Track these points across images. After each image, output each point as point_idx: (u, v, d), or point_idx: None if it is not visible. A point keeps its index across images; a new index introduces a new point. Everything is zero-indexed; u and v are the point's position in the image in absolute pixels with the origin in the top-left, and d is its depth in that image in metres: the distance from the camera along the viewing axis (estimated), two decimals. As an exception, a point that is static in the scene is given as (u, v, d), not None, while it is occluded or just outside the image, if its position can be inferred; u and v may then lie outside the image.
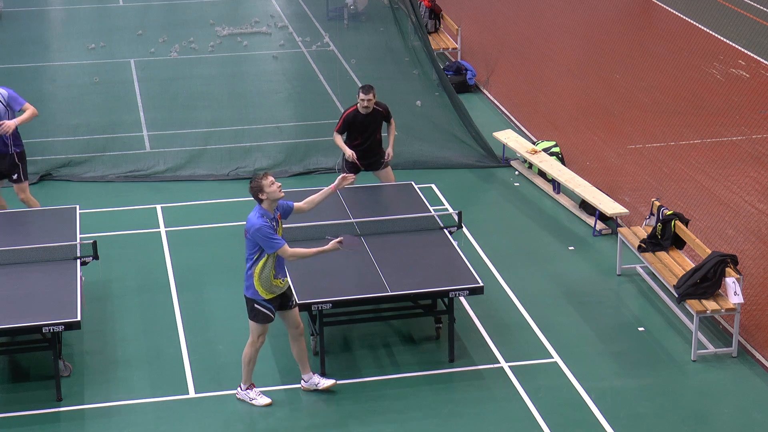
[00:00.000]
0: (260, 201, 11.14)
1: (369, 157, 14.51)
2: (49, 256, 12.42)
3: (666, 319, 13.02)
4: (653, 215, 13.69)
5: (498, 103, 20.05)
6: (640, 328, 12.85)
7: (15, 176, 13.86)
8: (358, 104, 14.26)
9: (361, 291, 11.84)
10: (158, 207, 15.94)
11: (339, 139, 14.46)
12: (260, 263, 10.96)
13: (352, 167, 14.44)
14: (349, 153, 14.28)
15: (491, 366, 12.08)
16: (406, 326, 12.77)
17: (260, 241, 10.90)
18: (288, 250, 10.99)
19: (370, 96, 14.19)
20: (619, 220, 15.08)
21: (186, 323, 12.94)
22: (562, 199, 16.11)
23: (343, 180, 11.79)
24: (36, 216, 13.65)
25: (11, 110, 13.59)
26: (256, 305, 11.13)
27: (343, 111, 14.69)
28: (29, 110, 13.71)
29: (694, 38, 23.22)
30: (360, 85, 14.52)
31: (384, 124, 14.61)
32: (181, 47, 22.75)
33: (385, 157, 14.58)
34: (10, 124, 13.43)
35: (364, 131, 14.36)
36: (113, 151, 17.60)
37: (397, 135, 18.13)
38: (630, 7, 26.49)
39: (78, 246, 12.65)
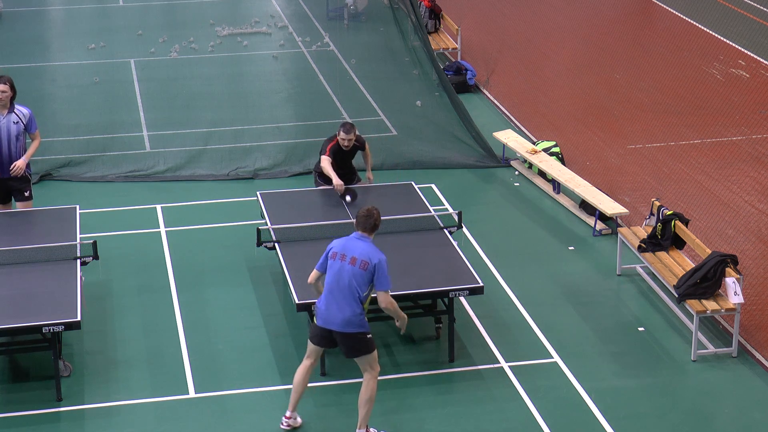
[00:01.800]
0: (371, 234, 10.58)
1: (349, 179, 14.46)
2: (49, 256, 12.42)
3: (666, 319, 13.02)
4: (653, 215, 13.69)
5: (498, 103, 20.05)
6: (640, 328, 12.85)
7: (27, 193, 13.79)
8: (339, 141, 14.09)
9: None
10: (158, 207, 15.94)
11: (329, 167, 14.06)
12: (369, 299, 10.51)
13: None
14: (338, 184, 14.04)
15: (491, 366, 12.08)
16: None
17: (382, 274, 10.33)
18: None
19: (351, 136, 14.00)
20: (619, 220, 15.08)
21: (186, 323, 12.94)
22: (562, 199, 16.11)
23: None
24: (36, 216, 13.65)
25: (26, 132, 13.63)
26: (369, 335, 10.52)
27: (327, 138, 14.31)
28: (36, 141, 13.73)
29: (694, 38, 23.22)
30: (342, 122, 14.27)
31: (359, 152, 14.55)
32: (181, 47, 22.75)
33: (368, 183, 14.52)
34: (21, 164, 13.49)
35: (343, 164, 14.28)
36: (113, 151, 17.60)
37: (397, 135, 18.22)
38: (630, 7, 26.50)
39: (78, 246, 12.65)
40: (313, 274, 10.73)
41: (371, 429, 10.70)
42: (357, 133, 14.18)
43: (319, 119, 18.82)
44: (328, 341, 10.62)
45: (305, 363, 10.77)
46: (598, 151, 17.77)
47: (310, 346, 10.74)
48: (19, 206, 13.77)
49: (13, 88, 13.59)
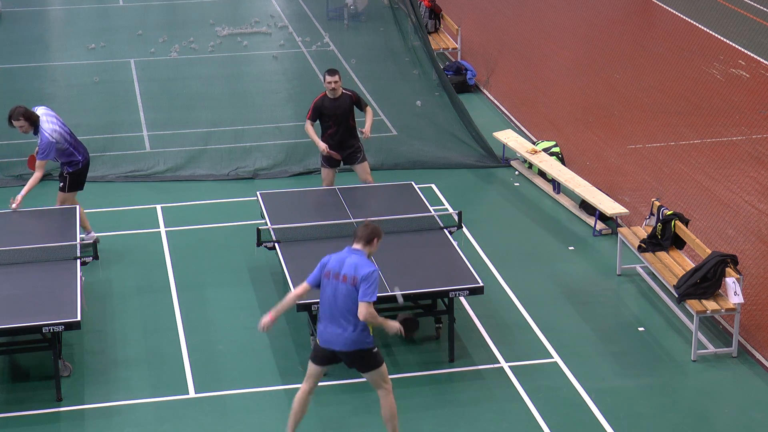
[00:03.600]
0: (366, 247, 10.09)
1: (344, 147, 14.48)
2: (49, 256, 12.42)
3: (666, 319, 13.02)
4: (653, 215, 13.69)
5: (498, 103, 20.05)
6: (640, 328, 12.85)
7: (61, 184, 14.07)
8: (325, 88, 14.25)
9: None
10: (158, 207, 15.94)
11: (311, 130, 14.36)
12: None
13: (329, 161, 14.46)
14: (323, 147, 14.25)
15: (491, 366, 12.09)
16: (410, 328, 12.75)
17: (368, 285, 9.84)
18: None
19: (336, 78, 14.16)
20: (619, 220, 15.08)
21: (186, 323, 12.94)
22: (562, 199, 16.11)
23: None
24: (36, 216, 13.66)
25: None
26: (375, 349, 10.17)
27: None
28: (36, 173, 13.82)
29: (694, 38, 23.22)
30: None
31: (360, 112, 14.55)
32: (181, 47, 22.76)
33: (364, 135, 14.48)
34: (18, 199, 13.63)
35: (335, 118, 14.30)
36: (113, 151, 17.60)
37: (397, 135, 18.21)
38: (630, 7, 26.50)
39: (78, 246, 12.65)
40: (303, 287, 10.23)
41: None
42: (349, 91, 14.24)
43: (319, 119, 18.82)
44: (330, 360, 10.27)
45: (304, 388, 10.39)
46: (598, 151, 17.76)
47: (311, 368, 10.33)
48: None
49: (28, 117, 13.63)
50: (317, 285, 10.20)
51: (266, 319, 10.29)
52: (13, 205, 13.61)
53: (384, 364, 10.26)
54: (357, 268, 9.93)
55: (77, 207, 13.83)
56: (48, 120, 13.74)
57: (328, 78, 14.19)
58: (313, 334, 12.16)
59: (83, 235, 14.30)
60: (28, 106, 13.87)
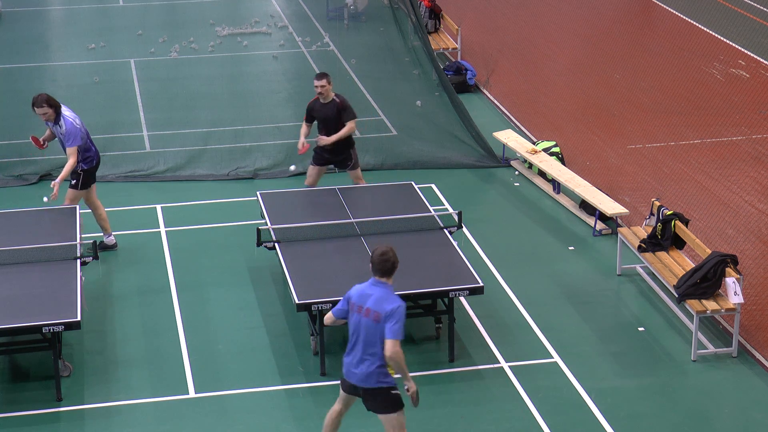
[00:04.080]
0: (389, 279, 9.66)
1: (336, 153, 14.57)
2: (49, 256, 12.43)
3: (666, 319, 13.02)
4: (653, 215, 13.69)
5: (498, 103, 20.05)
6: (640, 328, 12.85)
7: (73, 182, 14.06)
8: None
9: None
10: (158, 207, 15.94)
11: (302, 128, 14.63)
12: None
13: (316, 159, 14.61)
14: (300, 143, 14.51)
15: (491, 366, 12.08)
16: (406, 326, 12.69)
17: (395, 322, 9.42)
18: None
19: (323, 82, 14.24)
20: (619, 220, 15.08)
21: (186, 323, 12.94)
22: (562, 199, 16.11)
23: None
24: (36, 216, 13.65)
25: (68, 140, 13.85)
26: (394, 390, 9.69)
27: None
28: (70, 159, 13.82)
29: (694, 38, 23.22)
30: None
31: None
32: (181, 47, 22.76)
33: (318, 140, 14.53)
34: (55, 190, 13.65)
35: (323, 122, 14.42)
36: (113, 151, 17.59)
37: (397, 135, 18.20)
38: (630, 7, 26.50)
39: (78, 246, 12.65)
40: (329, 317, 9.90)
41: None
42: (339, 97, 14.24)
43: (319, 119, 18.82)
44: (356, 391, 9.83)
45: (335, 408, 10.06)
46: (598, 151, 17.76)
47: (341, 391, 10.00)
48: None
49: (52, 105, 13.67)
50: (344, 317, 9.79)
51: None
52: (52, 197, 13.64)
53: (402, 411, 9.72)
54: (381, 302, 9.49)
55: (76, 207, 13.82)
56: (67, 108, 13.90)
57: (315, 82, 14.31)
58: (313, 334, 12.16)
59: (104, 238, 14.51)
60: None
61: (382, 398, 9.66)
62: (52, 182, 13.66)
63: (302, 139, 14.60)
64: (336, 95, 14.42)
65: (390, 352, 9.43)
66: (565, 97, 20.38)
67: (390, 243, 12.64)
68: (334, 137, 14.39)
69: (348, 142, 14.58)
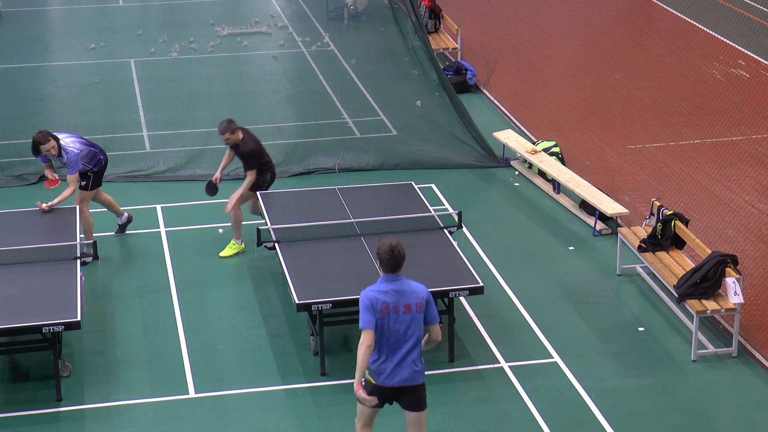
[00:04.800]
0: (401, 270, 9.50)
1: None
2: (49, 256, 12.43)
3: (666, 319, 13.02)
4: (653, 215, 13.69)
5: (498, 103, 20.05)
6: (640, 328, 12.85)
7: (83, 183, 14.09)
8: None
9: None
10: (158, 207, 15.95)
11: (223, 159, 14.66)
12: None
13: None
14: (215, 176, 14.58)
15: (491, 366, 12.08)
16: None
17: (434, 305, 9.46)
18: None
19: (225, 136, 14.06)
20: (619, 220, 15.08)
21: (186, 323, 12.94)
22: (562, 199, 16.11)
23: None
24: (36, 216, 13.65)
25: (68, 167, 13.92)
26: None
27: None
28: (69, 187, 13.82)
29: (694, 38, 23.22)
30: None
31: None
32: (181, 47, 22.75)
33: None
34: (46, 207, 13.64)
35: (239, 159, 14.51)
36: (113, 151, 17.53)
37: (397, 135, 18.20)
38: (630, 7, 26.50)
39: (78, 246, 12.65)
40: (370, 335, 9.26)
41: None
42: (239, 134, 14.09)
43: (319, 119, 18.83)
44: (389, 400, 9.58)
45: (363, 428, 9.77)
46: (598, 151, 17.76)
47: (368, 413, 9.66)
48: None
49: (55, 138, 13.72)
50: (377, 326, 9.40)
51: (361, 393, 9.37)
52: (44, 206, 13.64)
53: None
54: (419, 294, 9.40)
55: (77, 207, 13.83)
56: (64, 137, 13.93)
57: (219, 134, 14.11)
58: (313, 334, 12.15)
59: (119, 220, 14.85)
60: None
61: (424, 392, 9.53)
62: (45, 204, 13.60)
63: (217, 174, 14.59)
64: (244, 141, 14.14)
65: (439, 336, 9.55)
66: (565, 97, 20.38)
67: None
68: (238, 192, 14.14)
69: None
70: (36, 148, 13.74)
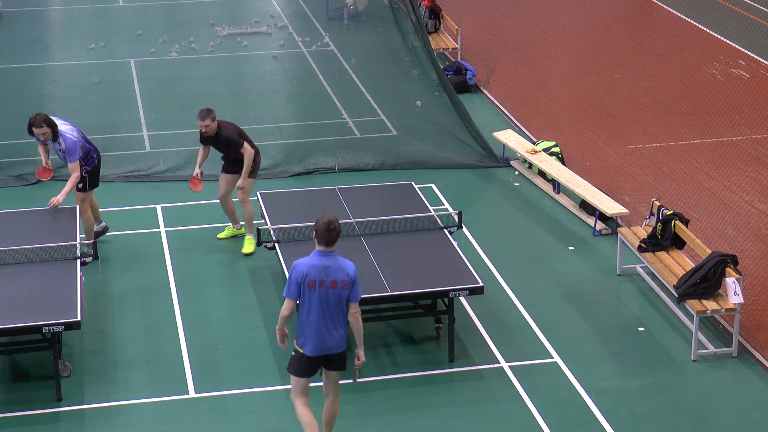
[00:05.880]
0: (334, 246, 9.98)
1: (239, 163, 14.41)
2: (49, 256, 12.43)
3: (666, 319, 13.02)
4: (653, 215, 13.69)
5: (498, 103, 20.05)
6: (640, 328, 12.85)
7: (80, 185, 13.96)
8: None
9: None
10: (158, 207, 15.95)
11: (199, 154, 14.61)
12: None
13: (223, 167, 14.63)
14: (196, 172, 14.56)
15: (491, 366, 12.08)
16: (406, 326, 12.77)
17: (358, 284, 9.99)
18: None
19: (205, 122, 14.02)
20: (619, 220, 15.08)
21: (186, 323, 12.94)
22: (562, 199, 16.11)
23: None
24: (36, 216, 13.65)
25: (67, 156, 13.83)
26: None
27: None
28: (73, 174, 13.77)
29: (694, 38, 23.22)
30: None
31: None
32: (181, 47, 22.76)
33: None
34: (55, 202, 13.58)
35: (221, 153, 14.48)
36: (113, 151, 17.59)
37: (397, 135, 18.20)
38: (630, 7, 26.50)
39: (78, 246, 12.65)
40: (289, 305, 10.00)
41: None
42: (216, 123, 14.04)
43: (319, 119, 18.83)
44: (316, 369, 10.24)
45: (304, 401, 10.31)
46: (598, 151, 17.76)
47: (302, 382, 10.25)
48: (76, 197, 14.08)
49: (51, 125, 13.59)
50: (299, 297, 10.00)
51: (279, 337, 10.39)
52: (50, 206, 13.60)
53: None
54: (346, 271, 9.88)
55: (78, 208, 13.82)
56: (62, 123, 13.82)
57: (199, 121, 14.07)
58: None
59: (97, 227, 14.57)
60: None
61: (344, 356, 10.19)
62: (55, 199, 13.56)
63: (196, 170, 14.54)
64: (222, 127, 14.17)
65: (358, 313, 9.98)
66: (565, 97, 20.38)
67: (390, 243, 12.74)
68: (242, 176, 14.26)
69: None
70: (30, 129, 13.70)
